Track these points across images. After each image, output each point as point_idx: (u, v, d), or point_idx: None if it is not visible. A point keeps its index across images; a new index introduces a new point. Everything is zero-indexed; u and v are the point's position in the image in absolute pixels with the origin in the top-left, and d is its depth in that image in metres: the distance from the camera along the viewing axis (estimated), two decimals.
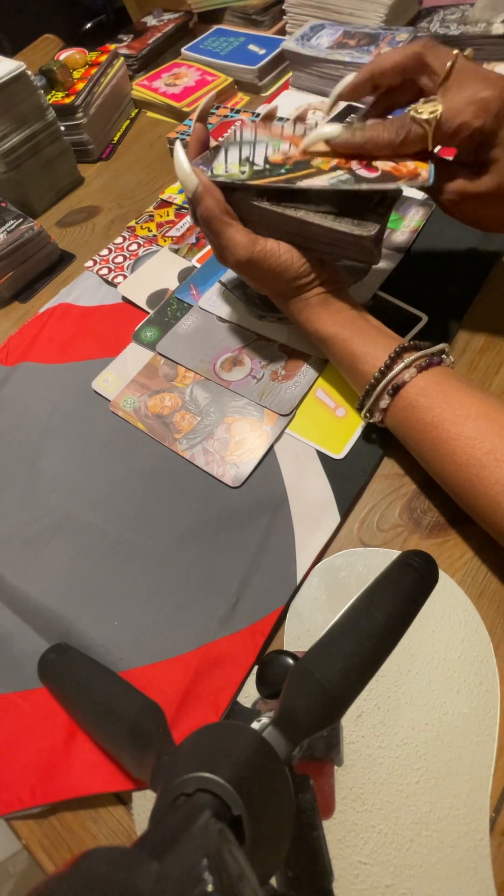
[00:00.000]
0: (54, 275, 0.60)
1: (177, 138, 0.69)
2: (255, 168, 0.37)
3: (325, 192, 0.36)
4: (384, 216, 0.36)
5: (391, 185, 0.34)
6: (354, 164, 0.36)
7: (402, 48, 0.35)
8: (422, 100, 0.33)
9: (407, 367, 0.35)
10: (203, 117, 0.40)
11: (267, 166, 0.37)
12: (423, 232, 0.52)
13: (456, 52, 0.33)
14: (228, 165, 0.38)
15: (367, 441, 0.41)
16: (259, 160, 0.38)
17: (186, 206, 0.62)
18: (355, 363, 0.38)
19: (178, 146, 0.37)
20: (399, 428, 0.37)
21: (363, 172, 0.35)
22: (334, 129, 0.35)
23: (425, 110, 0.33)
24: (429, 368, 0.35)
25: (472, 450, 0.32)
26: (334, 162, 0.36)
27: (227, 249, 0.38)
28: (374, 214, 0.36)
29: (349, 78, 0.37)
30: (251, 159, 0.38)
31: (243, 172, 0.37)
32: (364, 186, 0.34)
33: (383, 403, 0.37)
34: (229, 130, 0.39)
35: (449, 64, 0.33)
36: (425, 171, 0.34)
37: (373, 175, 0.35)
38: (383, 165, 0.35)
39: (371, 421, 0.39)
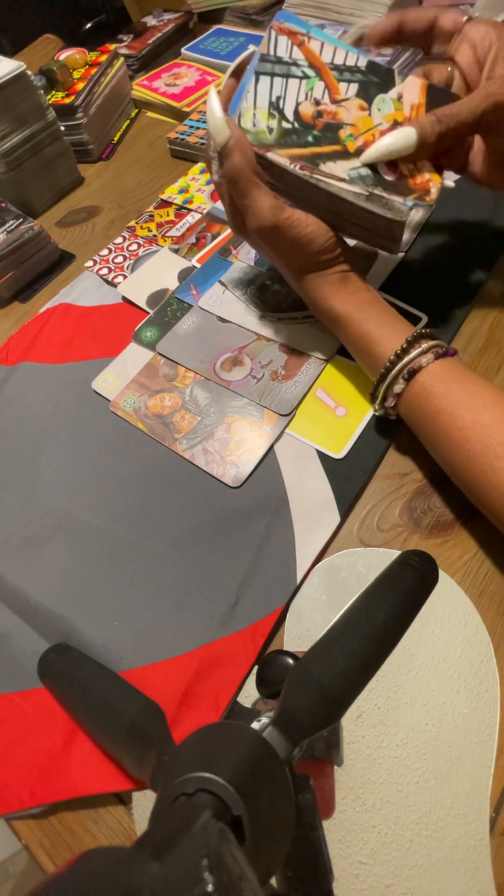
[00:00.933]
0: (54, 275, 0.60)
1: (177, 138, 0.69)
2: (284, 125, 0.36)
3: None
4: (409, 208, 0.36)
5: (394, 208, 0.35)
6: None
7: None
8: None
9: (424, 352, 0.35)
10: (238, 73, 0.38)
11: (296, 125, 0.36)
12: (423, 232, 0.52)
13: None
14: (257, 113, 0.36)
15: (367, 441, 0.41)
16: (289, 110, 0.36)
17: (185, 206, 0.61)
18: (370, 345, 0.38)
19: (212, 92, 0.35)
20: (411, 414, 0.37)
21: (383, 169, 0.35)
22: (407, 138, 0.34)
23: None
24: (444, 357, 0.35)
25: (487, 439, 0.32)
26: (360, 141, 0.36)
27: (250, 212, 0.36)
28: (401, 205, 0.36)
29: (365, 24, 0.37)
30: (281, 106, 0.36)
31: (270, 130, 0.36)
32: (377, 193, 0.35)
33: (397, 388, 0.36)
34: (264, 37, 0.37)
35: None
36: (435, 187, 0.35)
37: (391, 177, 0.35)
38: (404, 168, 0.36)
39: (383, 408, 0.39)
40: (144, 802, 0.31)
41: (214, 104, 0.34)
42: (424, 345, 0.35)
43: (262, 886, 0.16)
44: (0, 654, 0.37)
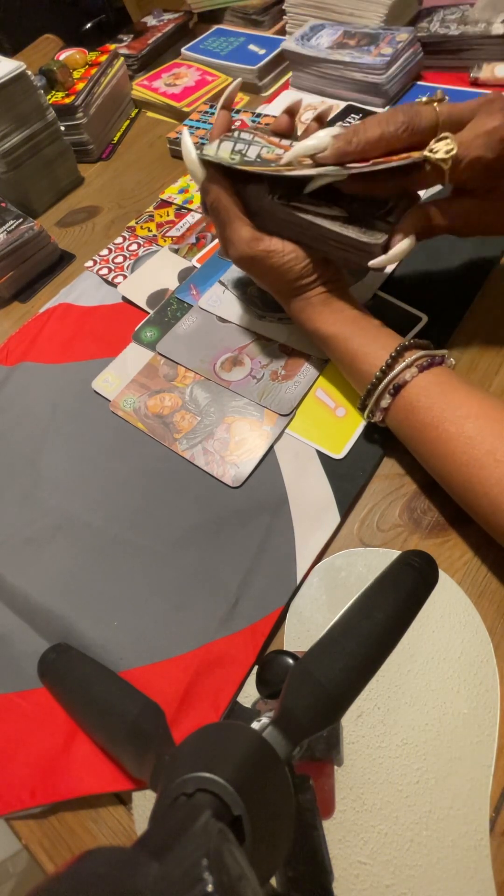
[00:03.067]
0: (54, 275, 0.60)
1: (177, 138, 0.69)
2: (246, 159, 0.37)
3: (334, 195, 0.36)
4: (393, 225, 0.36)
5: (372, 228, 0.34)
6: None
7: (381, 123, 0.33)
8: (434, 139, 0.32)
9: (408, 366, 0.35)
10: (228, 105, 0.39)
11: (258, 160, 0.37)
12: None
13: (434, 101, 0.33)
14: (219, 151, 0.37)
15: (367, 441, 0.41)
16: (251, 155, 0.37)
17: (185, 206, 0.61)
18: (356, 363, 0.38)
19: (185, 133, 0.36)
20: (400, 428, 0.37)
21: (356, 165, 0.34)
22: (320, 141, 0.33)
23: (440, 149, 0.32)
24: (430, 368, 0.35)
25: (471, 450, 0.32)
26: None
27: (230, 243, 0.38)
28: (383, 223, 0.36)
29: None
30: (244, 153, 0.37)
31: (233, 159, 0.36)
32: (354, 170, 0.34)
33: (384, 403, 0.36)
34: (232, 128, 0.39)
35: (436, 116, 0.32)
36: (418, 153, 0.33)
37: (364, 165, 0.34)
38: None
39: (372, 421, 0.39)
40: (144, 802, 0.31)
41: (189, 145, 0.36)
42: (409, 358, 0.35)
43: (262, 886, 0.16)
44: (0, 654, 0.37)
